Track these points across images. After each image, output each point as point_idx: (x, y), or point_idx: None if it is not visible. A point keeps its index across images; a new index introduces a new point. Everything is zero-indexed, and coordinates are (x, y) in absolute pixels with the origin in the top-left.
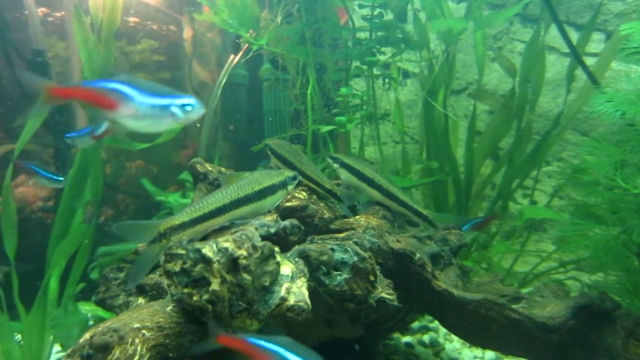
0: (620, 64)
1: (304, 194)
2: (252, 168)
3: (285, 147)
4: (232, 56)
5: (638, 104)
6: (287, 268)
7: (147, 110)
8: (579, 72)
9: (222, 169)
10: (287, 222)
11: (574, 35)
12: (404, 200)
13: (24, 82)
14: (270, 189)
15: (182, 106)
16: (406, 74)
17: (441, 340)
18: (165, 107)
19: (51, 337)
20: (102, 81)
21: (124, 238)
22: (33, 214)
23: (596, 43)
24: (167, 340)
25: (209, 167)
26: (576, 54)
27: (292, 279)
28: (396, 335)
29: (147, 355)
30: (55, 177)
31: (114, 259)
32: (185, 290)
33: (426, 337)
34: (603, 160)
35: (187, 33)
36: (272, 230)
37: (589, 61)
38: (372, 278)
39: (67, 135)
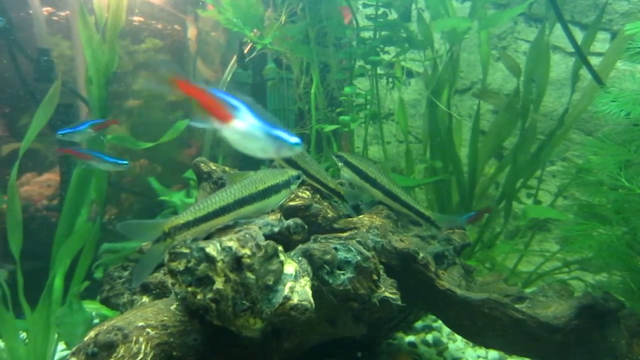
0: (625, 64)
1: (308, 193)
2: (256, 167)
3: None
4: (236, 55)
5: None
6: (290, 267)
7: (254, 135)
8: (584, 72)
9: (226, 168)
10: (290, 222)
11: (578, 35)
12: (405, 200)
13: (159, 70)
14: (274, 188)
15: (287, 141)
16: (410, 74)
17: (444, 339)
18: (272, 138)
19: (56, 335)
20: (225, 93)
21: (128, 237)
22: (38, 213)
23: (601, 43)
24: (171, 339)
25: (212, 166)
26: (581, 54)
27: (296, 278)
28: (400, 334)
29: (152, 354)
30: (119, 161)
31: (118, 258)
32: (189, 289)
33: (429, 337)
34: (607, 160)
35: (192, 32)
36: (276, 229)
37: (594, 61)
38: (375, 277)
39: (61, 132)
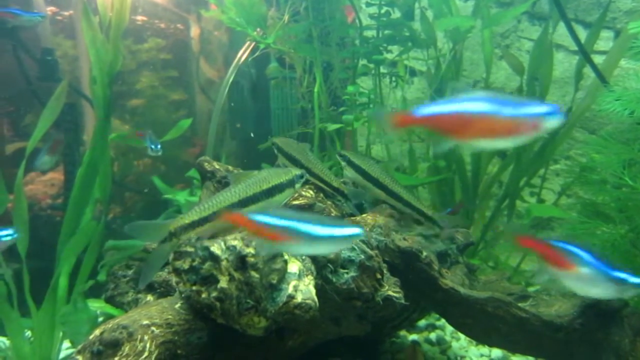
0: (629, 62)
1: (311, 192)
2: (259, 166)
3: (292, 146)
4: (239, 54)
5: None
6: (294, 266)
7: (596, 281)
8: (588, 70)
9: (230, 167)
10: None
11: (582, 33)
12: (408, 200)
13: None
14: (278, 187)
15: (629, 282)
16: (413, 72)
17: (448, 338)
18: (614, 281)
19: (61, 333)
20: (565, 243)
21: (135, 238)
22: (42, 212)
23: (605, 41)
24: (176, 337)
25: (216, 165)
26: (584, 52)
27: (300, 276)
28: (403, 333)
29: (156, 352)
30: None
31: (122, 257)
32: (194, 288)
33: (433, 335)
34: (611, 158)
35: (195, 31)
36: None
37: (598, 59)
38: (378, 276)
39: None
